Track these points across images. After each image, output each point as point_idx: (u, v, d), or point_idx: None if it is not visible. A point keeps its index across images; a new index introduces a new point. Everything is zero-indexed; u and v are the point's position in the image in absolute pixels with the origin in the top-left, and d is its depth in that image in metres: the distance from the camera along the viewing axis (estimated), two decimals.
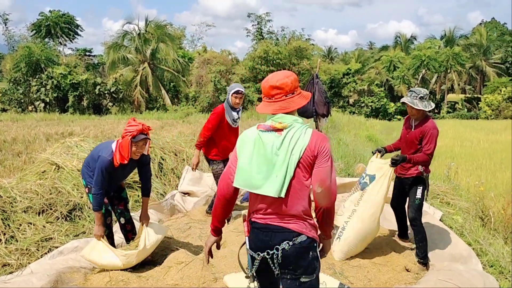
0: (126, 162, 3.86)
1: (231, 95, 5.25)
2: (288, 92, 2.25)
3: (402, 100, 4.36)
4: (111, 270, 3.96)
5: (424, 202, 5.84)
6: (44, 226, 4.85)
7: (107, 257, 3.95)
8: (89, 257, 3.98)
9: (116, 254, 3.97)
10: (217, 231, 2.47)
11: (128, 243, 4.44)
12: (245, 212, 2.50)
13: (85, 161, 4.29)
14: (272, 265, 2.24)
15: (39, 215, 5.05)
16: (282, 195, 2.15)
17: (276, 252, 2.21)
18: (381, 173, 4.36)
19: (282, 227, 2.21)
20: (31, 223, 4.84)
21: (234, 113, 5.34)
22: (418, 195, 4.35)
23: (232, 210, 2.46)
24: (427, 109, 4.23)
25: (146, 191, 4.33)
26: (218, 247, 2.52)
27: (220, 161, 5.46)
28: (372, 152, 4.70)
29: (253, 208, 2.31)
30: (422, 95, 4.22)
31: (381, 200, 4.37)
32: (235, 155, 2.33)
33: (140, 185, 6.27)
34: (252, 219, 2.30)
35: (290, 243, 2.19)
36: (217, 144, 5.40)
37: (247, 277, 2.32)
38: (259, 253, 2.25)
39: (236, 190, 2.34)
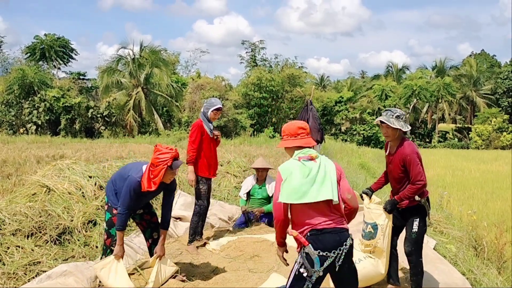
0: (153, 189, 3.85)
1: (212, 111, 5.47)
2: (308, 133, 3.19)
3: (378, 118, 4.06)
4: None
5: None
6: (32, 250, 4.75)
7: (117, 281, 3.91)
8: (99, 272, 3.97)
9: (127, 282, 3.92)
10: (282, 244, 3.15)
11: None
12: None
13: (112, 178, 4.35)
14: (338, 259, 2.90)
15: (27, 238, 4.95)
16: (336, 199, 2.90)
17: (345, 247, 2.92)
18: (382, 220, 4.14)
19: (343, 227, 2.97)
20: (19, 246, 4.73)
21: (210, 125, 5.59)
22: (415, 228, 4.03)
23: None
24: (404, 129, 3.97)
25: (165, 223, 4.30)
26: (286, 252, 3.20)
27: (206, 181, 5.50)
28: (361, 196, 4.37)
29: (309, 222, 2.93)
30: (398, 114, 3.99)
31: (388, 247, 4.21)
32: (280, 182, 2.96)
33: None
34: (319, 227, 2.91)
35: (350, 238, 2.98)
36: (203, 160, 5.48)
37: (310, 275, 2.87)
38: (334, 251, 2.88)
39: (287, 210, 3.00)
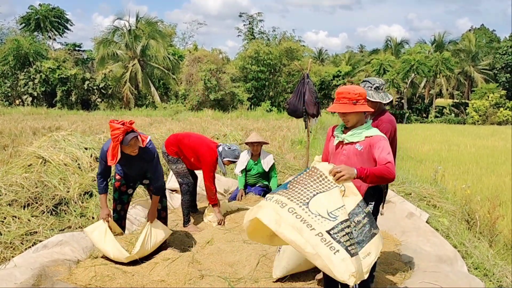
0: (114, 163, 3.94)
1: (227, 160, 5.41)
2: None
3: None
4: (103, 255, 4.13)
5: (410, 203, 5.93)
6: (29, 220, 4.78)
7: (105, 242, 4.05)
8: (90, 235, 4.13)
9: (114, 244, 4.05)
10: None
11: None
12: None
13: None
14: None
15: (24, 209, 4.97)
16: None
17: None
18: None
19: None
20: (15, 217, 4.76)
21: (223, 166, 5.50)
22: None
23: None
24: (384, 101, 3.52)
25: (155, 189, 4.36)
26: None
27: (177, 160, 5.32)
28: None
29: None
30: (377, 85, 3.57)
31: None
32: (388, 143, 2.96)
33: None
34: None
35: None
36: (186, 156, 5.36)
37: None
38: None
39: None
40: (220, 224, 5.31)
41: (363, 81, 3.68)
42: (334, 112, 3.20)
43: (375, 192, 3.27)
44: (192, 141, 5.30)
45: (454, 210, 6.39)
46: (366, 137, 3.02)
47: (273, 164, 6.59)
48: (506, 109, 39.69)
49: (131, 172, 4.39)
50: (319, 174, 2.82)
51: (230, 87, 31.38)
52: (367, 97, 3.30)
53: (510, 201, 8.52)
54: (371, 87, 3.56)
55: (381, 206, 3.41)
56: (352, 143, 3.06)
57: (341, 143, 3.14)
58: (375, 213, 3.35)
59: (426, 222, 5.42)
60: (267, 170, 6.51)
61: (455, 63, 43.81)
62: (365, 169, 2.81)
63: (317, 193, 2.71)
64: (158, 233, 4.30)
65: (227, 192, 6.90)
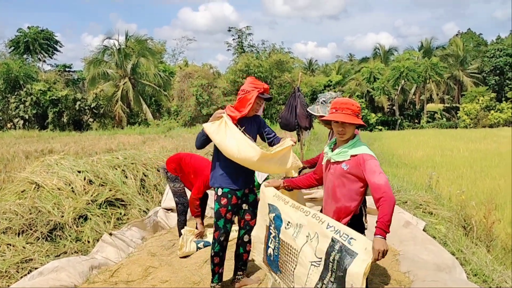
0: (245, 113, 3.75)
1: None
2: None
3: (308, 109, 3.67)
4: None
5: (407, 212, 5.93)
6: (23, 247, 4.74)
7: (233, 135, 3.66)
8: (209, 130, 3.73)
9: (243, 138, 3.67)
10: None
11: (238, 269, 4.18)
12: None
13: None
14: None
15: (18, 236, 4.92)
16: None
17: None
18: None
19: None
20: (10, 244, 4.71)
21: None
22: None
23: None
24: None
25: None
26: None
27: (175, 178, 5.27)
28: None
29: None
30: (324, 99, 3.57)
31: None
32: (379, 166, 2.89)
33: (122, 203, 6.21)
34: None
35: None
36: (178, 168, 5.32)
37: None
38: None
39: None
40: (200, 236, 5.18)
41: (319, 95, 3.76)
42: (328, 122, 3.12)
43: (352, 223, 3.03)
44: (194, 159, 5.28)
45: (450, 217, 6.39)
46: (352, 156, 2.97)
47: (267, 177, 6.60)
48: (496, 111, 40.02)
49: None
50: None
51: (222, 101, 31.41)
52: (313, 113, 3.52)
53: (506, 204, 8.56)
54: (319, 101, 3.64)
55: (363, 219, 3.20)
56: (338, 162, 3.02)
57: (329, 161, 3.12)
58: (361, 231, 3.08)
59: (423, 230, 5.42)
60: (261, 182, 6.50)
61: (444, 68, 44.21)
62: (382, 228, 2.68)
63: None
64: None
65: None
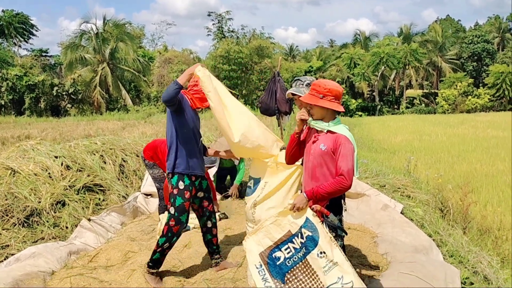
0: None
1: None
2: None
3: (288, 91, 3.63)
4: None
5: (385, 195, 6.00)
6: (0, 233, 4.66)
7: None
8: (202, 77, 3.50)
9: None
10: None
11: (213, 253, 4.09)
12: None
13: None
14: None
15: None
16: None
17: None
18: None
19: None
20: None
21: None
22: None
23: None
24: None
25: None
26: None
27: (153, 164, 5.24)
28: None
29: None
30: (308, 82, 3.55)
31: None
32: (354, 154, 2.91)
33: (100, 188, 6.15)
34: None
35: None
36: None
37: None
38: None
39: None
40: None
41: (295, 79, 3.69)
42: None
43: (331, 204, 3.05)
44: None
45: (428, 200, 6.49)
46: (329, 131, 2.96)
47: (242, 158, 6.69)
48: (474, 97, 40.65)
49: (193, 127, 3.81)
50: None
51: None
52: (299, 94, 3.41)
53: (482, 187, 8.73)
54: (302, 84, 3.59)
55: (342, 202, 3.14)
56: (317, 142, 2.99)
57: (309, 130, 3.12)
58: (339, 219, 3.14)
59: (401, 213, 5.49)
60: (236, 164, 6.70)
61: (423, 54, 44.64)
62: (311, 191, 2.90)
63: None
64: None
65: None
